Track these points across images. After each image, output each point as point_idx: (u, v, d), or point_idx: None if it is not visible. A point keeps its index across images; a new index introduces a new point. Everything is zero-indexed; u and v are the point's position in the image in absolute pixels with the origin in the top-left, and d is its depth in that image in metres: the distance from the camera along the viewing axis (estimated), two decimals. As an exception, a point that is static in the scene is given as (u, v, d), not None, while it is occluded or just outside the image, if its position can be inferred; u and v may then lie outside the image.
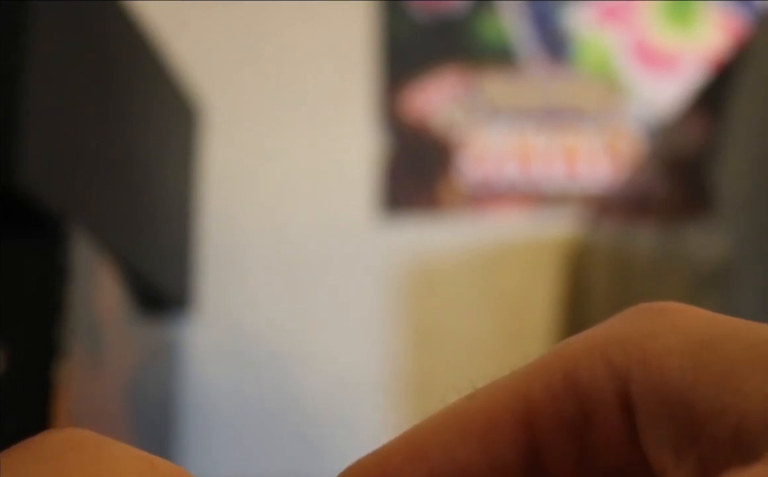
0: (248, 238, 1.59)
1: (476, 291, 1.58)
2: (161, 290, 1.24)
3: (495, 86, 1.66)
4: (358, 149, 1.63)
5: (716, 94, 1.05)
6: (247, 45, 1.65)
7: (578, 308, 1.48)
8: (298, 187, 1.61)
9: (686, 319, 0.20)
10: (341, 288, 1.59)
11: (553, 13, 1.68)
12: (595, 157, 1.63)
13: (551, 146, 1.63)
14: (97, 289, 1.00)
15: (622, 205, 1.39)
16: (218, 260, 1.57)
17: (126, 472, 0.19)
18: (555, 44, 1.67)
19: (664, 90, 1.64)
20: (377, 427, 1.53)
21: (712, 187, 0.99)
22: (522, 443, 0.21)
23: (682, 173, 1.14)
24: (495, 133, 1.64)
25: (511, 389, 0.22)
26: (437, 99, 1.65)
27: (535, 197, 1.61)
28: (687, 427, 0.19)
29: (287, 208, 1.60)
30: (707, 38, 1.67)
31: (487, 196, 1.61)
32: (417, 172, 1.62)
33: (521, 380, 0.22)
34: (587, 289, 1.45)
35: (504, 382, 0.22)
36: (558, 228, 1.59)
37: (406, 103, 1.64)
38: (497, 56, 1.67)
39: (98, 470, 0.19)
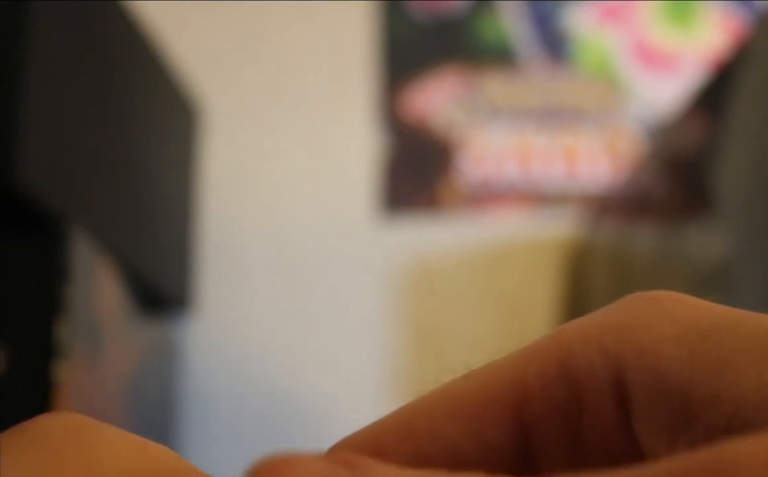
0: (248, 238, 1.59)
1: (476, 291, 1.58)
2: (161, 290, 1.24)
3: (495, 86, 1.66)
4: (358, 149, 1.63)
5: (716, 94, 1.05)
6: (247, 45, 1.65)
7: (578, 308, 1.48)
8: (298, 187, 1.61)
9: (683, 309, 0.20)
10: (341, 288, 1.59)
11: (553, 13, 1.68)
12: (595, 157, 1.63)
13: (551, 146, 1.63)
14: (97, 289, 1.00)
15: (622, 205, 1.39)
16: (218, 260, 1.57)
17: (120, 453, 0.19)
18: (555, 44, 1.67)
19: (664, 90, 1.64)
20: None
21: (712, 187, 0.99)
22: (512, 427, 0.21)
23: (682, 173, 1.14)
24: (495, 133, 1.64)
25: (505, 372, 0.22)
26: (437, 99, 1.65)
27: (535, 197, 1.61)
28: (682, 415, 0.19)
29: (287, 208, 1.60)
30: (707, 38, 1.67)
31: (487, 196, 1.61)
32: (417, 172, 1.62)
33: (516, 364, 0.22)
34: (587, 289, 1.45)
35: (499, 364, 0.22)
36: (558, 228, 1.59)
37: (406, 103, 1.64)
38: (497, 56, 1.67)
39: (93, 451, 0.19)
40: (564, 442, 0.21)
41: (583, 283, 1.47)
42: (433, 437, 0.21)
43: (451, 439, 0.21)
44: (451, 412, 0.21)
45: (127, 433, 0.20)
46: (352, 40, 1.66)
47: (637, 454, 0.20)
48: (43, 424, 0.20)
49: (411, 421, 0.22)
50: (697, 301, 0.21)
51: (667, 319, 0.20)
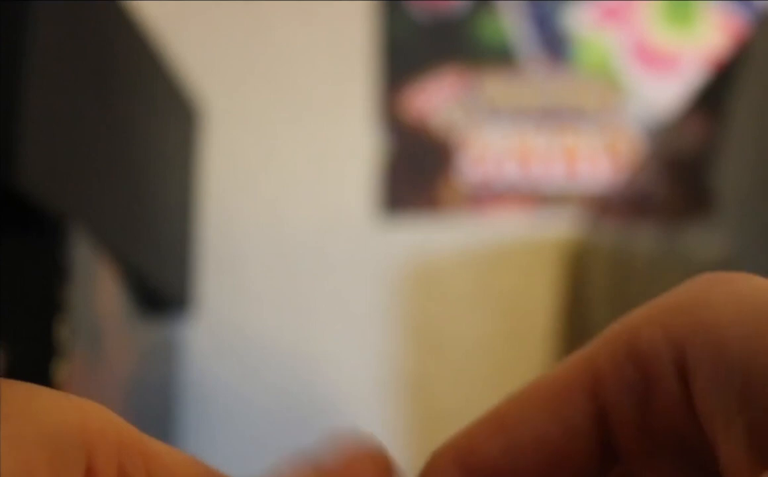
0: (248, 238, 1.59)
1: (476, 291, 1.58)
2: (161, 290, 1.24)
3: (495, 86, 1.66)
4: (358, 149, 1.63)
5: (716, 94, 1.05)
6: (247, 45, 1.65)
7: (578, 308, 1.48)
8: (298, 187, 1.61)
9: (747, 288, 0.21)
10: (341, 288, 1.59)
11: (553, 14, 1.68)
12: (595, 157, 1.63)
13: (551, 146, 1.63)
14: (97, 289, 1.00)
15: (622, 205, 1.39)
16: (218, 260, 1.57)
17: (46, 400, 0.21)
18: (555, 44, 1.67)
19: (664, 90, 1.64)
20: (377, 426, 1.53)
21: (712, 187, 0.99)
22: (591, 409, 0.22)
23: (682, 173, 1.14)
24: (495, 133, 1.64)
25: (579, 361, 0.23)
26: (437, 99, 1.65)
27: (535, 197, 1.61)
28: (739, 396, 0.20)
29: (287, 208, 1.60)
30: (707, 38, 1.67)
31: (487, 196, 1.61)
32: (417, 172, 1.62)
33: (589, 352, 0.23)
34: (587, 289, 1.45)
35: (574, 355, 0.23)
36: (558, 228, 1.59)
37: (406, 103, 1.64)
38: (497, 56, 1.67)
39: (19, 401, 0.20)
40: (636, 420, 0.22)
41: (583, 283, 1.47)
42: (522, 428, 0.23)
43: (538, 427, 0.23)
44: (535, 402, 0.23)
45: (60, 391, 0.21)
46: (352, 40, 1.66)
47: (701, 430, 0.21)
48: None
49: (501, 416, 0.23)
50: (762, 281, 0.21)
51: (728, 299, 0.21)
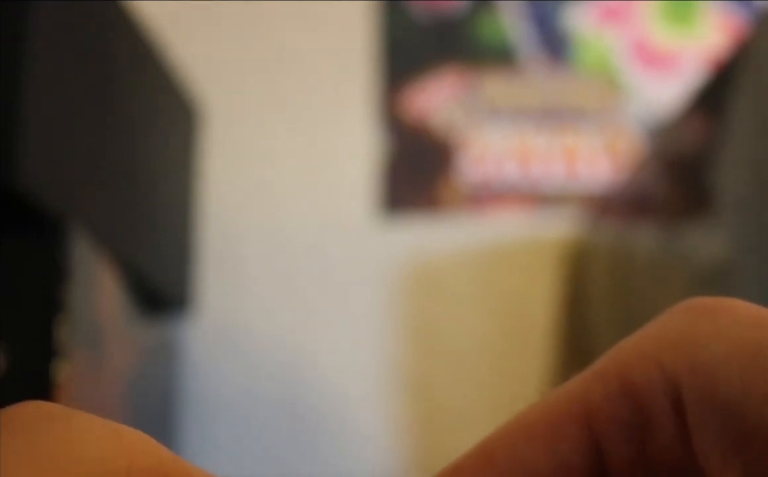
0: (248, 238, 1.59)
1: (476, 291, 1.58)
2: (161, 290, 1.24)
3: (495, 86, 1.66)
4: (358, 149, 1.63)
5: (716, 94, 1.05)
6: (247, 45, 1.65)
7: (578, 308, 1.48)
8: (298, 187, 1.61)
9: (736, 322, 0.21)
10: (341, 288, 1.59)
11: (553, 13, 1.68)
12: (595, 157, 1.63)
13: (551, 146, 1.63)
14: (97, 289, 1.00)
15: (622, 205, 1.39)
16: (218, 260, 1.57)
17: (94, 441, 0.20)
18: (555, 44, 1.67)
19: (664, 90, 1.64)
20: (377, 426, 1.53)
21: (712, 187, 0.99)
22: (584, 444, 0.22)
23: (682, 173, 1.14)
24: (495, 133, 1.64)
25: (571, 394, 0.22)
26: (437, 99, 1.65)
27: (535, 197, 1.61)
28: (735, 436, 0.20)
29: (287, 208, 1.60)
30: (707, 38, 1.67)
31: (487, 196, 1.61)
32: (417, 172, 1.62)
33: (580, 385, 0.22)
34: (587, 288, 1.45)
35: (564, 388, 0.23)
36: (558, 228, 1.59)
37: (406, 103, 1.64)
38: (497, 56, 1.67)
39: (67, 441, 0.19)
40: (632, 456, 0.22)
41: (583, 282, 1.47)
42: (512, 462, 0.22)
43: (529, 461, 0.22)
44: (525, 435, 0.22)
45: (99, 418, 0.21)
46: (352, 40, 1.66)
47: (698, 468, 0.21)
48: (16, 413, 0.20)
49: (490, 450, 0.22)
50: (749, 311, 0.21)
51: (717, 337, 0.20)
